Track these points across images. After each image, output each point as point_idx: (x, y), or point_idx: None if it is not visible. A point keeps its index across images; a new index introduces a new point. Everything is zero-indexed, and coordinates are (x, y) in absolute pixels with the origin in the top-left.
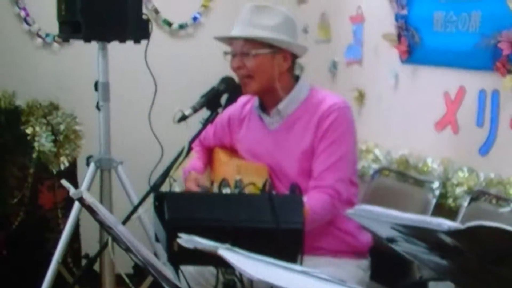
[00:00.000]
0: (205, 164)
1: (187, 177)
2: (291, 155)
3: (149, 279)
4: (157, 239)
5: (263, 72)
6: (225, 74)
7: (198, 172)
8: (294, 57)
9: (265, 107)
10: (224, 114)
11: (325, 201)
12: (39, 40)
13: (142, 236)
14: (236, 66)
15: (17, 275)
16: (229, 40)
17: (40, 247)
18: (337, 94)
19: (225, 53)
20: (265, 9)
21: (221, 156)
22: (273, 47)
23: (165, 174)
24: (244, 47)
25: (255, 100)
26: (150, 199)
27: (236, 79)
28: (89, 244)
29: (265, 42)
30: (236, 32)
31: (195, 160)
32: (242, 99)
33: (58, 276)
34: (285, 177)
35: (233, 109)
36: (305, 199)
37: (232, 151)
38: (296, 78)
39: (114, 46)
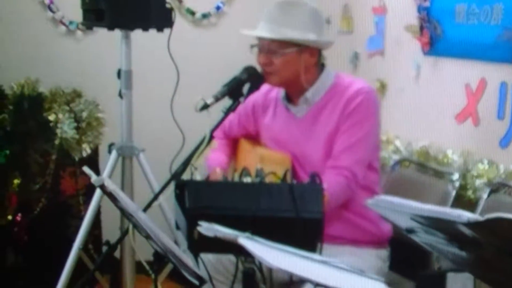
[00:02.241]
0: (229, 157)
1: (211, 174)
2: (318, 140)
3: (169, 266)
4: (177, 227)
5: (289, 68)
6: (247, 64)
7: (223, 168)
8: (320, 49)
9: (290, 97)
10: (248, 101)
11: (341, 184)
12: (62, 28)
13: (162, 223)
14: (263, 63)
15: (38, 260)
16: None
17: (61, 233)
18: (362, 79)
19: (252, 46)
20: (292, 6)
21: (244, 145)
22: (300, 45)
23: (187, 162)
24: (271, 45)
25: (280, 91)
26: (171, 187)
27: (259, 68)
28: (110, 231)
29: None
30: (263, 31)
31: (218, 153)
32: (265, 86)
33: (79, 262)
34: (309, 164)
35: (257, 96)
36: None
37: (256, 139)
38: (322, 66)
39: (137, 34)
